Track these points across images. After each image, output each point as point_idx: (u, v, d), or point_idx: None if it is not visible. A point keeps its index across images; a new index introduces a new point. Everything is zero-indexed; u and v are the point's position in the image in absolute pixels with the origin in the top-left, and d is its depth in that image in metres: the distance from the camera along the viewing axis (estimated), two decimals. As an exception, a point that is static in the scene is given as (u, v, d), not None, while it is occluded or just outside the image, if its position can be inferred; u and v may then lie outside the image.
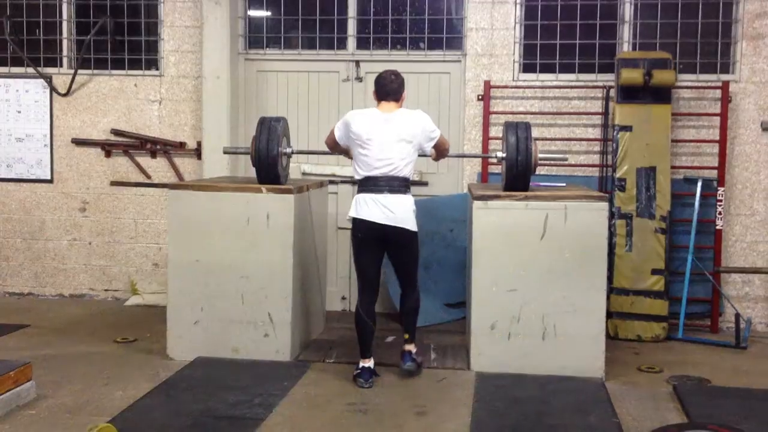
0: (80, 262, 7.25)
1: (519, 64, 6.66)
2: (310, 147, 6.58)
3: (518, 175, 5.20)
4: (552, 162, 6.20)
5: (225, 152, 6.06)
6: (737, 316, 5.96)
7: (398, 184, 4.87)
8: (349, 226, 6.70)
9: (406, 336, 5.11)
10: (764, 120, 6.29)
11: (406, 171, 4.91)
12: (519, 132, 5.19)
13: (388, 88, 4.96)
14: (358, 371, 4.93)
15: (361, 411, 4.40)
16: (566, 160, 5.73)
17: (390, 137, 4.86)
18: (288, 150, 5.54)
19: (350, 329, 5.68)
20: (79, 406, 4.42)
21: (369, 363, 4.96)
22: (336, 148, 5.20)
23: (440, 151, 5.18)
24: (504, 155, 5.25)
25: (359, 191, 4.95)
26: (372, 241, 4.93)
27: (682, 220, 6.33)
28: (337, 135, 5.04)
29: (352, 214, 4.94)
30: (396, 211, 4.83)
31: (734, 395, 4.77)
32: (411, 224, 4.90)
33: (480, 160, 6.61)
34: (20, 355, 5.11)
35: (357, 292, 5.06)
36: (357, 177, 4.99)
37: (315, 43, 6.96)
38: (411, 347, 5.09)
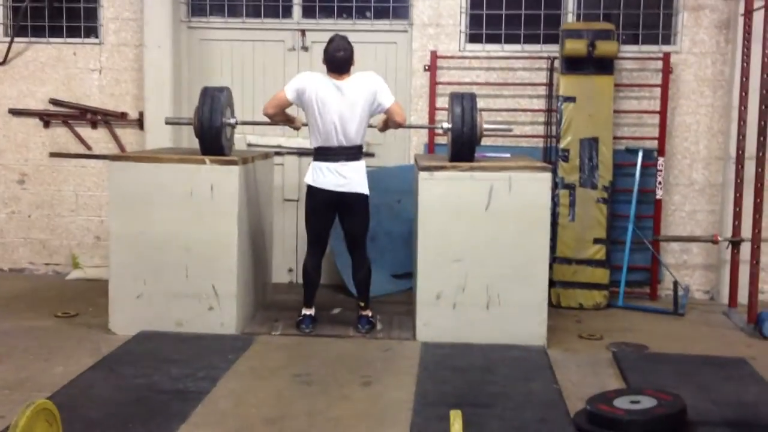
0: (19, 236, 7.08)
1: (465, 34, 6.65)
2: (255, 118, 6.47)
3: (464, 146, 5.20)
4: (497, 133, 6.19)
5: (167, 123, 5.94)
6: (675, 283, 6.11)
7: (353, 152, 5.10)
8: (295, 197, 6.75)
9: (362, 304, 5.43)
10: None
11: (359, 138, 5.11)
12: (464, 103, 5.19)
13: (336, 63, 5.06)
14: (300, 318, 5.38)
15: (306, 382, 4.40)
16: (511, 130, 5.76)
17: (343, 106, 5.01)
18: (232, 120, 5.46)
19: (297, 301, 5.67)
20: (18, 382, 4.34)
21: (311, 311, 5.41)
22: (278, 114, 5.21)
23: (392, 120, 5.19)
24: (450, 126, 5.23)
25: (315, 159, 5.14)
26: (325, 207, 5.19)
27: (624, 190, 6.43)
28: (290, 96, 5.08)
29: (308, 181, 5.14)
30: (350, 177, 5.08)
31: (671, 361, 4.90)
32: (363, 188, 5.14)
33: (427, 130, 6.61)
34: (-43, 332, 5.01)
35: (306, 248, 5.39)
36: (312, 145, 5.15)
37: (260, 11, 6.84)
38: (367, 312, 5.44)
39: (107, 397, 4.12)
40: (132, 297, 5.26)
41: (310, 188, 5.18)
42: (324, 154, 5.09)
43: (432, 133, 6.61)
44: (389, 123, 5.27)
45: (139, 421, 3.79)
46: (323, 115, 5.03)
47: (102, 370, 4.54)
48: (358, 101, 5.04)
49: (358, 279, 5.43)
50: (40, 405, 3.04)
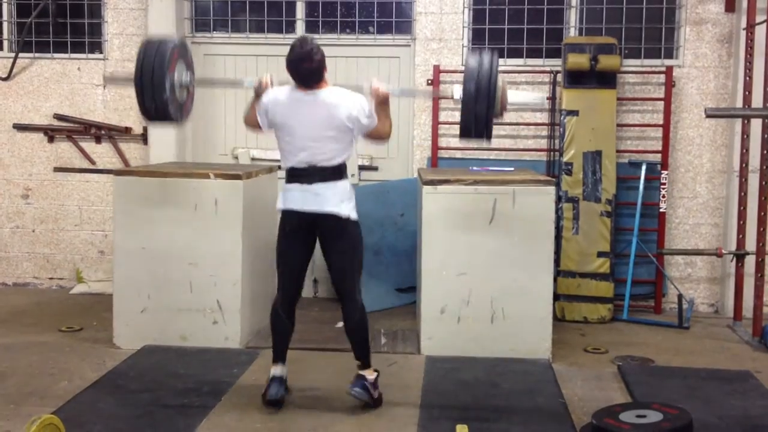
0: (23, 250, 7.09)
1: (468, 48, 6.68)
2: (258, 135, 6.48)
3: (478, 117, 3.99)
4: (525, 107, 5.39)
5: (106, 81, 4.94)
6: (680, 296, 6.10)
7: (330, 173, 4.17)
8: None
9: (359, 362, 4.30)
10: (707, 107, 6.42)
11: (339, 159, 4.19)
12: (483, 63, 3.97)
13: (302, 76, 4.11)
14: (268, 383, 4.25)
15: (311, 397, 4.40)
16: (544, 102, 4.73)
17: (314, 122, 4.12)
18: (185, 78, 4.33)
19: (301, 314, 5.65)
20: (23, 397, 4.34)
21: (280, 370, 4.26)
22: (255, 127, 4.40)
23: (378, 134, 4.29)
24: (460, 93, 4.02)
25: (287, 181, 4.27)
26: (300, 234, 4.24)
27: (627, 203, 6.43)
28: (259, 120, 4.29)
29: (279, 206, 4.29)
30: (325, 195, 4.14)
31: (677, 375, 4.88)
32: (344, 209, 4.17)
33: (430, 144, 6.63)
34: (-39, 347, 5.01)
35: (276, 290, 4.39)
36: (283, 167, 4.32)
37: (263, 26, 6.88)
38: (367, 373, 4.29)
39: (112, 411, 4.11)
40: (136, 311, 5.26)
41: (282, 214, 4.30)
42: (296, 175, 4.19)
43: (435, 147, 6.63)
44: (372, 133, 4.27)
45: (144, 436, 3.79)
46: (288, 132, 4.17)
47: (107, 384, 4.54)
48: (331, 119, 4.11)
49: (350, 330, 4.28)
50: (45, 420, 3.06)
